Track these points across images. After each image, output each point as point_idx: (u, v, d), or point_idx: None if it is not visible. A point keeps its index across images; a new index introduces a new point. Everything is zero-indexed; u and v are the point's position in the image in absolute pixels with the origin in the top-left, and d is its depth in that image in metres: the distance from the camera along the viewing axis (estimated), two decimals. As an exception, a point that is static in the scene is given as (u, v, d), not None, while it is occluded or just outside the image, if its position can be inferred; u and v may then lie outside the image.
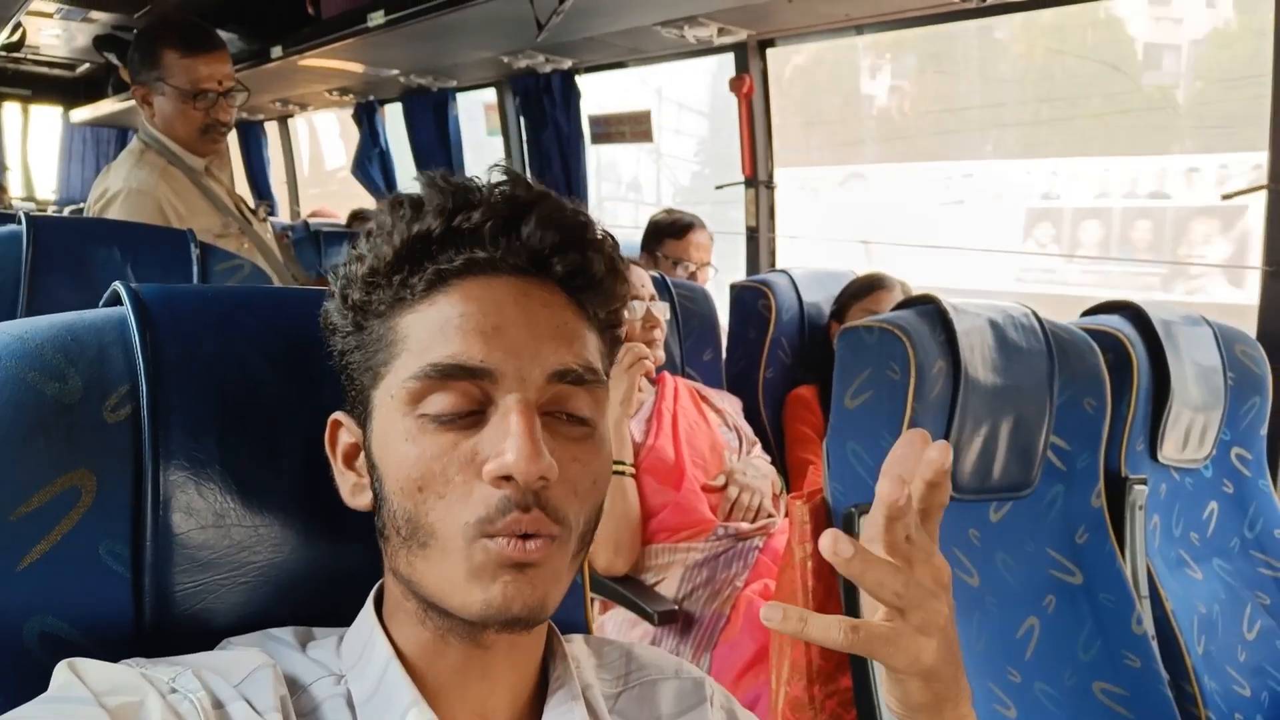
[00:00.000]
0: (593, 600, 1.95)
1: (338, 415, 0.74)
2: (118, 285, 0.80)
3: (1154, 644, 1.54)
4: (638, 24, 2.84)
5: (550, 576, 0.66)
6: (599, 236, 0.71)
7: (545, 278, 0.68)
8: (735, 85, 2.99)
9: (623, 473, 1.87)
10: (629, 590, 1.85)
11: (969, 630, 1.44)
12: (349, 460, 0.73)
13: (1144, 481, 1.64)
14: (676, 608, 1.82)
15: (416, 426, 0.66)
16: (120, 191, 2.14)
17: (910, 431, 0.64)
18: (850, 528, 1.39)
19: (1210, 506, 1.79)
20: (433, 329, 0.66)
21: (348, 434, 0.72)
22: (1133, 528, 1.62)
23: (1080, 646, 1.53)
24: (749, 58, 2.97)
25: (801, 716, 1.61)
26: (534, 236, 0.67)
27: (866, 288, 2.49)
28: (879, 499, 0.59)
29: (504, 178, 0.69)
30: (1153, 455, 1.71)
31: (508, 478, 0.63)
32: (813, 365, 2.53)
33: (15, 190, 7.39)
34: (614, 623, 1.95)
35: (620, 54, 3.38)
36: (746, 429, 2.20)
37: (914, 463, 0.62)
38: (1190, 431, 1.73)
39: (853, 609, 1.38)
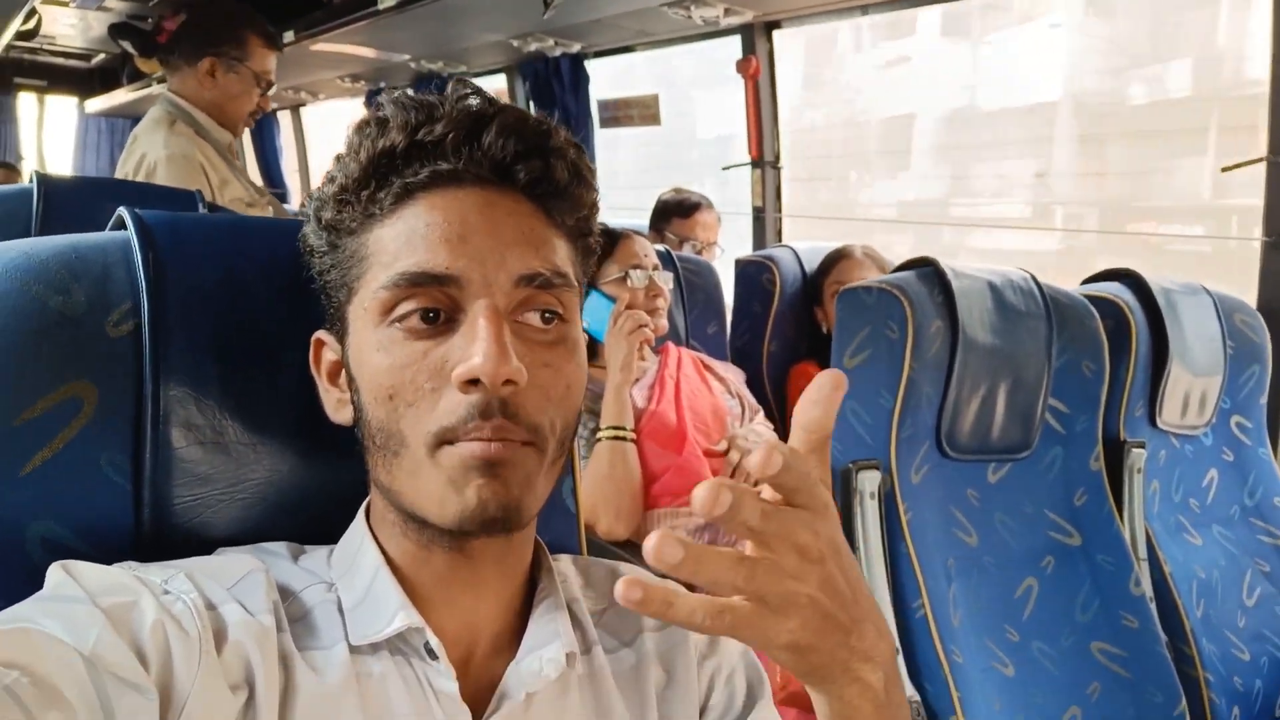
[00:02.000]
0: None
1: (320, 334, 0.75)
2: (122, 210, 0.81)
3: (1152, 605, 1.55)
4: (645, 4, 2.85)
5: (523, 479, 0.66)
6: (561, 144, 0.71)
7: (509, 186, 0.69)
8: (742, 66, 3.00)
9: (623, 438, 1.88)
10: (630, 554, 1.86)
11: (967, 588, 1.45)
12: (332, 377, 0.74)
13: (1143, 445, 1.65)
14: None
15: (388, 336, 0.67)
16: (161, 157, 2.21)
17: (824, 375, 0.56)
18: (847, 484, 1.40)
19: (1210, 474, 1.79)
20: (400, 240, 0.67)
21: (330, 351, 0.74)
22: (1131, 491, 1.63)
23: (1079, 607, 1.53)
24: (755, 39, 2.98)
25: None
26: (495, 145, 0.68)
27: (830, 262, 2.51)
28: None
29: (464, 90, 0.70)
30: (1152, 421, 1.72)
31: (475, 381, 0.63)
32: (816, 339, 2.54)
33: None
34: (632, 569, 1.96)
35: (629, 37, 3.39)
36: (749, 397, 2.21)
37: (818, 411, 0.55)
38: (1190, 398, 1.74)
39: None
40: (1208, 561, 1.70)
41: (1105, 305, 1.68)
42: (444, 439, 0.65)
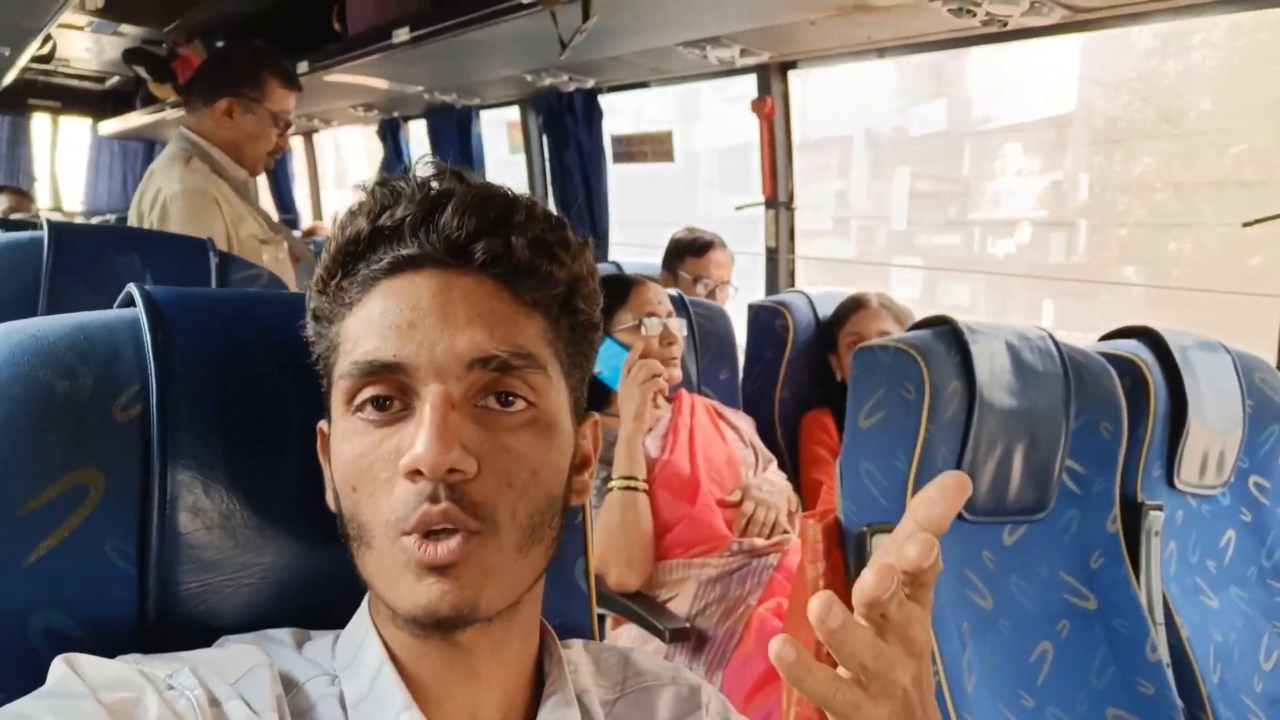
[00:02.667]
0: (604, 616, 1.95)
1: (321, 424, 0.74)
2: (131, 287, 0.81)
3: (1169, 671, 1.52)
4: (661, 44, 2.85)
5: (480, 574, 0.65)
6: (525, 219, 0.69)
7: (469, 267, 0.68)
8: (757, 106, 2.99)
9: (635, 488, 1.86)
10: (640, 606, 1.84)
11: (981, 652, 1.42)
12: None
13: (1160, 507, 1.62)
14: (689, 625, 1.81)
15: (351, 426, 0.67)
16: (176, 192, 2.23)
17: (948, 476, 0.57)
18: (862, 547, 1.38)
19: (1227, 534, 1.77)
20: (360, 329, 0.67)
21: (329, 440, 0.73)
22: (1148, 554, 1.60)
23: (1094, 672, 1.51)
24: (770, 79, 2.98)
25: (810, 737, 1.60)
26: (450, 224, 0.66)
27: (845, 312, 2.48)
28: (858, 591, 0.54)
29: (434, 173, 0.70)
30: (1169, 481, 1.69)
31: (420, 471, 0.63)
32: (829, 386, 2.52)
33: (43, 201, 7.47)
34: (627, 638, 1.94)
35: (643, 74, 3.39)
36: (762, 447, 2.19)
37: (939, 510, 0.56)
38: (1208, 458, 1.71)
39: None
40: (1225, 625, 1.68)
41: (1123, 364, 1.66)
42: (400, 529, 0.64)
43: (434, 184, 0.69)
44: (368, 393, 0.66)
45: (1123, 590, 1.55)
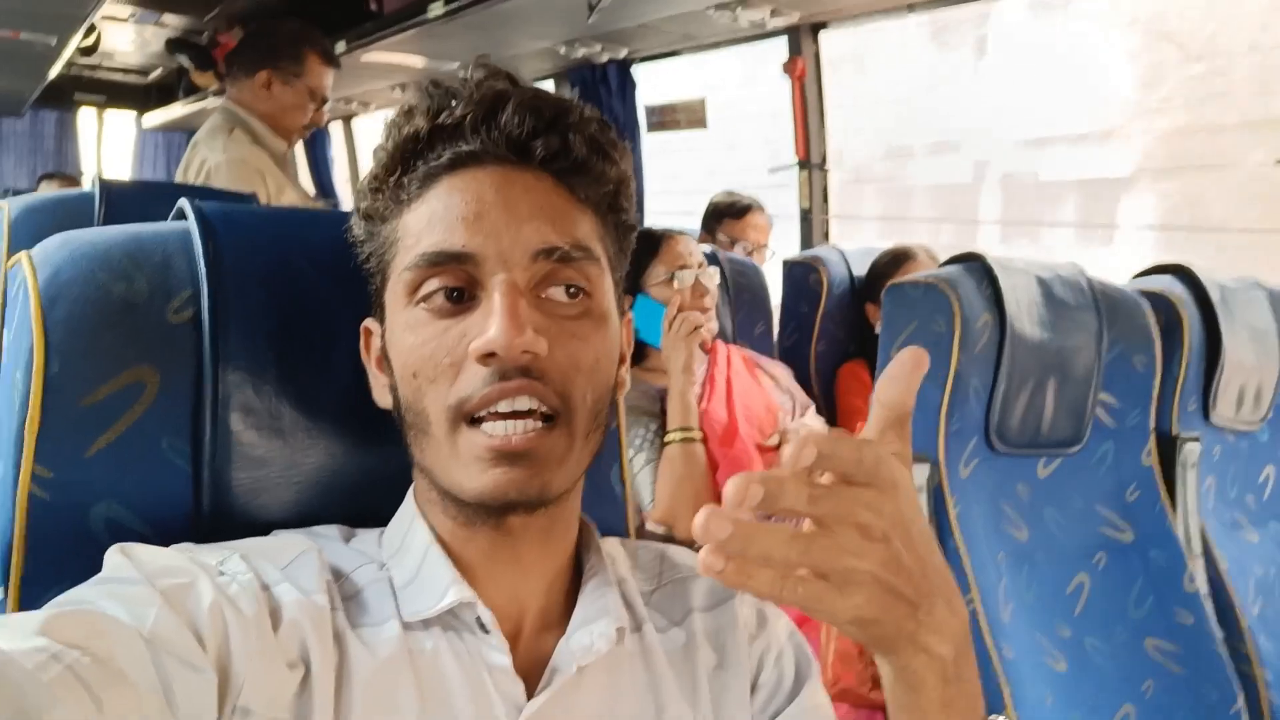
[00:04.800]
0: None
1: (368, 322, 0.77)
2: (184, 201, 0.84)
3: (1208, 603, 1.53)
4: (691, 8, 2.86)
5: (551, 461, 0.67)
6: (579, 119, 0.72)
7: (528, 163, 0.70)
8: (789, 68, 3.00)
9: (693, 439, 1.88)
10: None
11: (1017, 583, 1.43)
12: (379, 364, 0.76)
13: (1196, 439, 1.62)
14: (728, 566, 1.83)
15: (414, 317, 0.69)
16: (220, 161, 2.29)
17: (905, 351, 0.57)
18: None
19: (1266, 470, 1.76)
20: (423, 223, 0.69)
21: (376, 339, 0.76)
22: (1185, 487, 1.60)
23: (1131, 603, 1.51)
24: (802, 40, 2.98)
25: (850, 668, 1.62)
26: (511, 123, 0.69)
27: (894, 262, 2.46)
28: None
29: (486, 73, 0.72)
30: (1205, 417, 1.69)
31: (492, 354, 0.65)
32: (864, 339, 2.53)
33: (91, 194, 7.60)
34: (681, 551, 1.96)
35: (674, 41, 3.40)
36: (800, 393, 2.20)
37: (899, 387, 0.56)
38: (1244, 394, 1.71)
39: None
40: (1265, 559, 1.67)
41: (1157, 300, 1.66)
42: (463, 411, 0.66)
43: (489, 83, 0.71)
44: (434, 284, 0.68)
45: (1159, 523, 1.55)
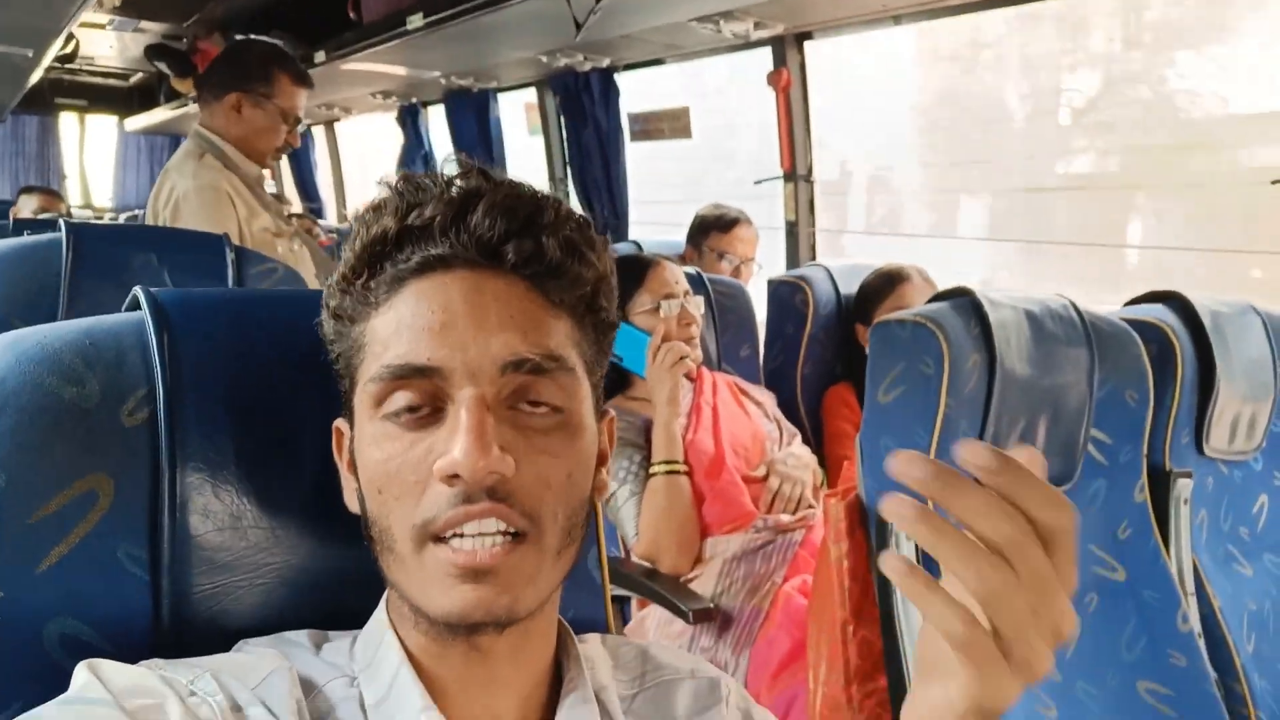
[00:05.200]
0: (628, 598, 1.95)
1: (338, 423, 0.74)
2: (137, 290, 0.81)
3: (1200, 642, 1.51)
4: (674, 19, 2.83)
5: (518, 579, 0.65)
6: (554, 219, 0.68)
7: (500, 267, 0.67)
8: (773, 79, 2.97)
9: (677, 471, 1.86)
10: (663, 587, 1.84)
11: (1008, 628, 1.41)
12: (351, 467, 0.73)
13: (1189, 475, 1.60)
14: (712, 605, 1.81)
15: (380, 430, 0.66)
16: (190, 188, 2.26)
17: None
18: (884, 525, 1.37)
19: (1260, 499, 1.74)
20: (390, 330, 0.66)
21: (348, 439, 0.73)
22: (1178, 523, 1.58)
23: (1124, 645, 1.49)
24: (786, 51, 2.95)
25: (839, 717, 1.59)
26: (482, 225, 0.66)
27: (888, 284, 2.41)
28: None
29: (459, 171, 0.69)
30: (1198, 448, 1.67)
31: (457, 475, 0.62)
32: (851, 361, 2.50)
33: (74, 198, 7.56)
34: (654, 619, 1.94)
35: (658, 50, 3.37)
36: (786, 421, 2.18)
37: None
38: (1238, 423, 1.68)
39: (888, 611, 1.36)
40: (1259, 593, 1.65)
41: (1149, 330, 1.63)
42: (428, 532, 0.64)
43: (460, 182, 0.68)
44: (400, 399, 0.65)
45: (1152, 560, 1.53)
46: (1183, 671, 1.47)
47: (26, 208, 4.36)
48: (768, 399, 2.23)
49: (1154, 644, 1.49)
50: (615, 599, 1.75)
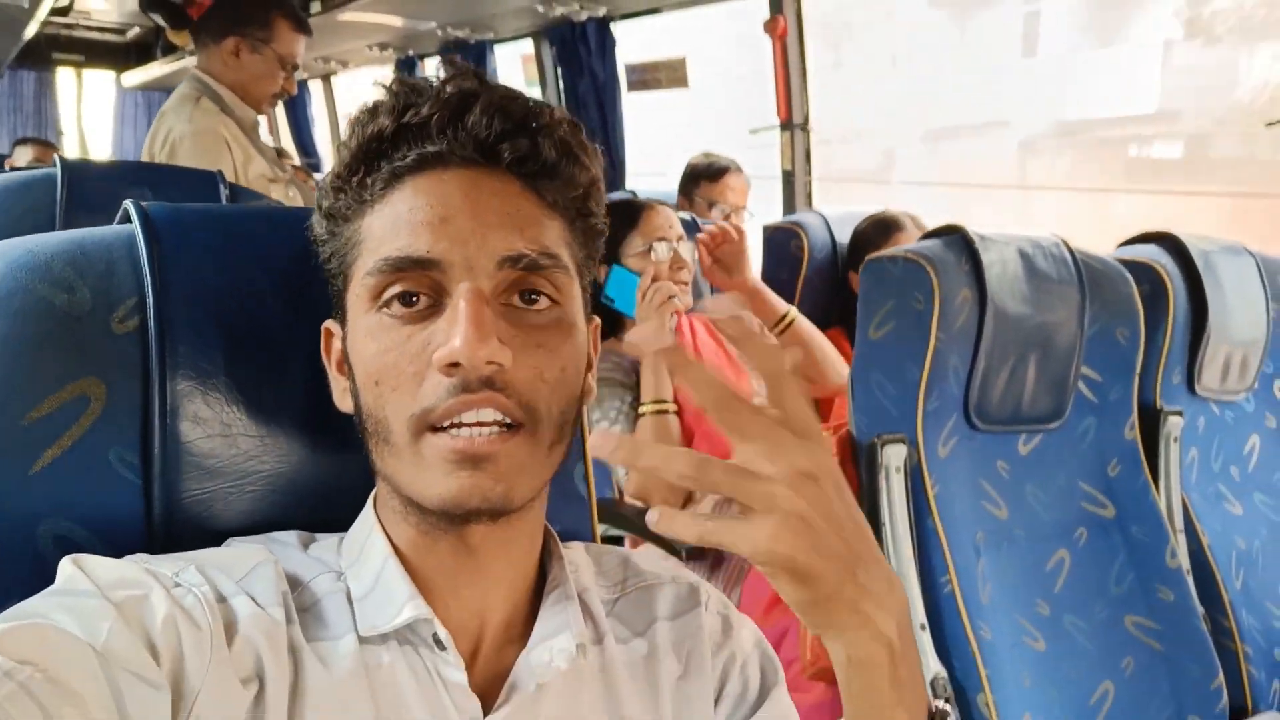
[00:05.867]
0: (621, 537, 1.96)
1: (328, 323, 0.75)
2: (128, 203, 0.81)
3: (1189, 578, 1.53)
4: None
5: (513, 467, 0.65)
6: (549, 121, 0.69)
7: (496, 166, 0.68)
8: (769, 27, 2.94)
9: (666, 410, 1.87)
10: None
11: (997, 562, 1.43)
12: (340, 367, 0.74)
13: (1179, 413, 1.61)
14: (704, 547, 1.82)
15: (376, 323, 0.67)
16: (186, 132, 2.26)
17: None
18: (874, 458, 1.38)
19: (1251, 440, 1.75)
20: (386, 225, 0.67)
21: (337, 340, 0.74)
22: (1167, 460, 1.60)
23: (1112, 580, 1.51)
24: (783, -1, 2.93)
25: (828, 648, 1.62)
26: (479, 124, 0.67)
27: (882, 231, 2.39)
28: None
29: (454, 72, 0.69)
30: (1190, 388, 1.68)
31: (456, 364, 0.63)
32: (846, 307, 2.49)
33: (71, 154, 7.53)
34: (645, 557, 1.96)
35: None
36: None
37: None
38: (1230, 364, 1.69)
39: (878, 537, 1.38)
40: (1248, 531, 1.67)
41: (1141, 270, 1.64)
42: (426, 422, 0.64)
43: (455, 83, 0.68)
44: (396, 289, 0.66)
45: (1141, 498, 1.54)
46: (1170, 606, 1.49)
47: (21, 158, 4.36)
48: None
49: (1142, 579, 1.50)
50: (609, 539, 1.77)
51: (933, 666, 1.30)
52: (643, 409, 1.88)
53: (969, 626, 1.32)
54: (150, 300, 0.75)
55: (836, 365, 2.10)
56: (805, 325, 2.08)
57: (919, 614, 1.32)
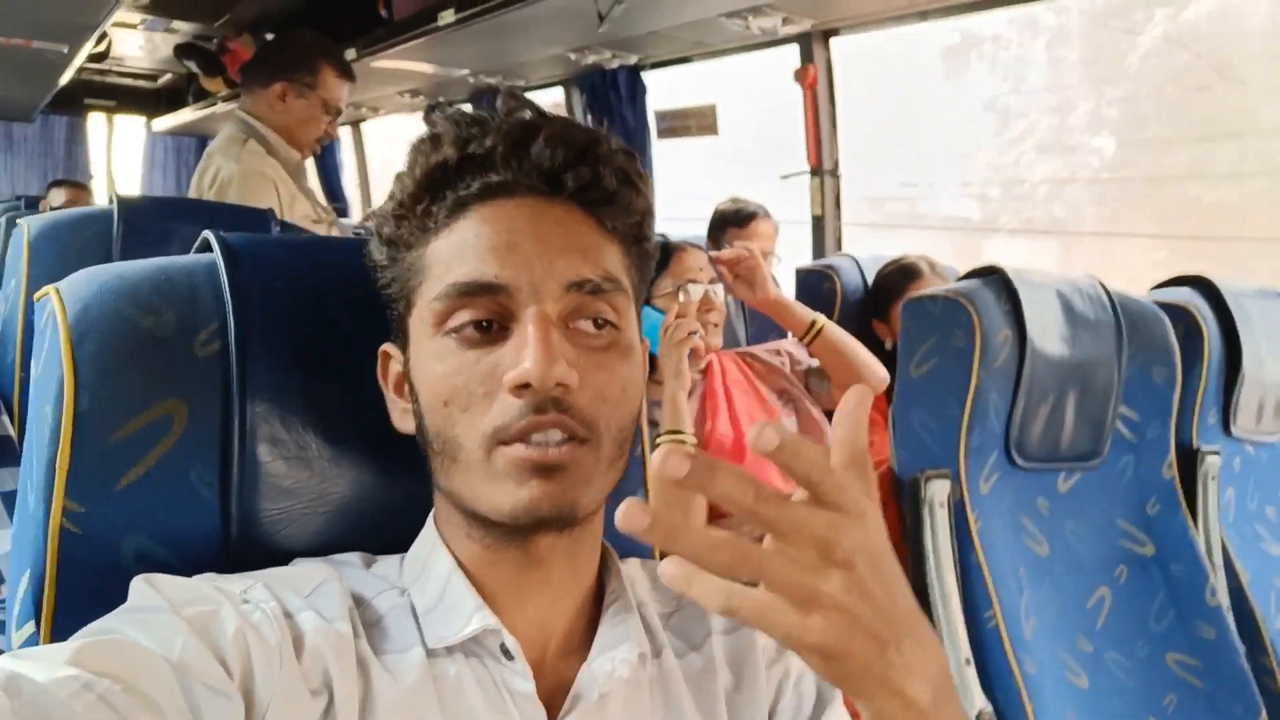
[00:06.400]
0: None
1: (386, 346, 0.77)
2: (208, 233, 0.84)
3: (1229, 616, 1.52)
4: (702, 15, 2.86)
5: (580, 479, 0.67)
6: (608, 150, 0.72)
7: (559, 195, 0.71)
8: (800, 76, 2.99)
9: (683, 441, 1.87)
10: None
11: (1039, 598, 1.43)
12: (398, 388, 0.76)
13: (1217, 453, 1.62)
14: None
15: (443, 346, 0.69)
16: (235, 172, 2.31)
17: (850, 391, 0.55)
18: (916, 493, 1.39)
19: (1288, 482, 1.76)
20: (453, 252, 0.69)
21: (395, 363, 0.76)
22: (1205, 499, 1.60)
23: (1153, 617, 1.51)
24: (813, 47, 2.97)
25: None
26: (543, 155, 0.70)
27: (900, 281, 2.40)
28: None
29: (514, 104, 0.72)
30: (1225, 428, 1.69)
31: (526, 386, 0.65)
32: (877, 353, 2.50)
33: (100, 199, 7.63)
34: None
35: (685, 48, 3.40)
36: (803, 359, 2.20)
37: (846, 427, 0.54)
38: (1265, 405, 1.70)
39: (922, 583, 1.38)
40: (1287, 572, 1.67)
41: (1176, 312, 1.66)
42: (498, 439, 0.66)
43: (518, 114, 0.71)
44: (465, 315, 0.68)
45: (1180, 536, 1.54)
46: (1212, 644, 1.48)
47: (57, 199, 4.43)
48: (782, 354, 2.24)
49: (1182, 617, 1.50)
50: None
51: (978, 702, 1.30)
52: (659, 439, 1.88)
53: (1013, 661, 1.32)
54: (231, 325, 0.78)
55: (873, 367, 2.09)
56: (835, 331, 2.07)
57: (963, 649, 1.32)
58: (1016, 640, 1.35)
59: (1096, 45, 3.35)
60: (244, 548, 0.77)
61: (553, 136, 0.70)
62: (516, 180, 0.70)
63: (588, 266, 0.69)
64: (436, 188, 0.71)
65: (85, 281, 0.78)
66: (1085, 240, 3.52)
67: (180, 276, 0.80)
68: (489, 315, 0.68)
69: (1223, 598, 1.53)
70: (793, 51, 3.05)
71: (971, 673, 1.32)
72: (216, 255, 0.81)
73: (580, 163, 0.71)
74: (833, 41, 3.01)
